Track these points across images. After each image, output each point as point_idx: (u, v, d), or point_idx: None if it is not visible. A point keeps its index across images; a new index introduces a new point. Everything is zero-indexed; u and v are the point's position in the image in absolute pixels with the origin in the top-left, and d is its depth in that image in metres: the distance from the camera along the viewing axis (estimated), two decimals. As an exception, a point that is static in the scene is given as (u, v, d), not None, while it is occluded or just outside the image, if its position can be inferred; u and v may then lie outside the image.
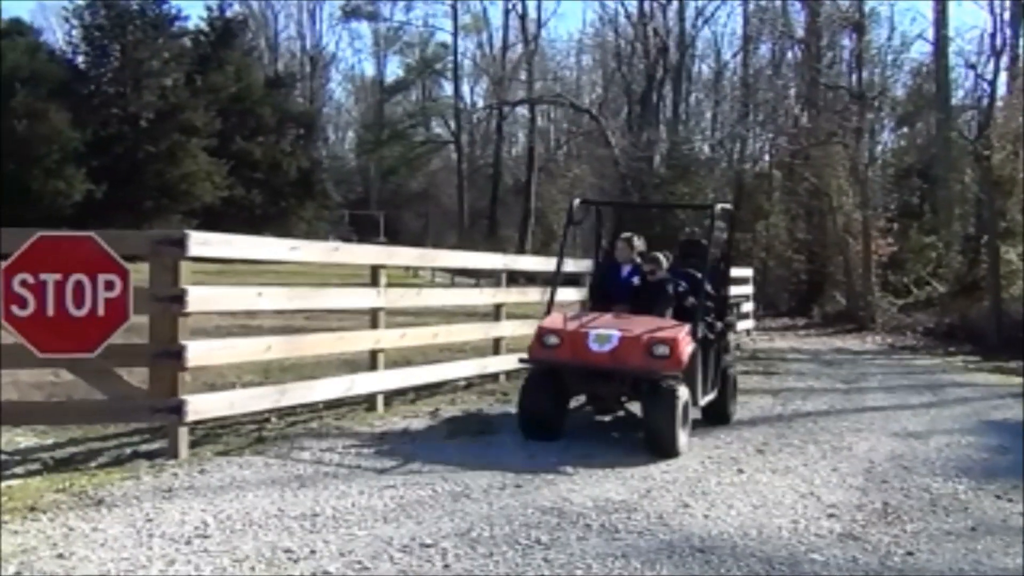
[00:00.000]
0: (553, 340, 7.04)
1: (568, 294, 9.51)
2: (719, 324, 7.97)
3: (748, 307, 20.33)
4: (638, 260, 7.99)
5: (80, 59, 44.63)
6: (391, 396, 8.85)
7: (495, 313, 10.58)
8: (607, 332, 7.00)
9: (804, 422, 8.91)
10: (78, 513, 4.99)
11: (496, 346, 10.51)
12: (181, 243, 6.10)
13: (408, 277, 32.20)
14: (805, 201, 29.69)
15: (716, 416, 8.11)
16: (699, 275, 7.60)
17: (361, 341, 8.40)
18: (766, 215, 30.61)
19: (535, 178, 46.32)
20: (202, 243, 6.27)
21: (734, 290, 17.46)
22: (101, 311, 5.86)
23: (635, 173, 33.18)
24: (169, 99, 42.83)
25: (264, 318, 13.38)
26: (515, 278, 12.04)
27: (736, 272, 19.34)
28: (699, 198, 28.37)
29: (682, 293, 7.67)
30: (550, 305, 7.63)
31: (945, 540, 5.13)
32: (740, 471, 6.60)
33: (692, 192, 29.84)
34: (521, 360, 7.55)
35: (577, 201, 8.18)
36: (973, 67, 30.65)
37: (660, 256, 7.91)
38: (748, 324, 20.25)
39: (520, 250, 40.93)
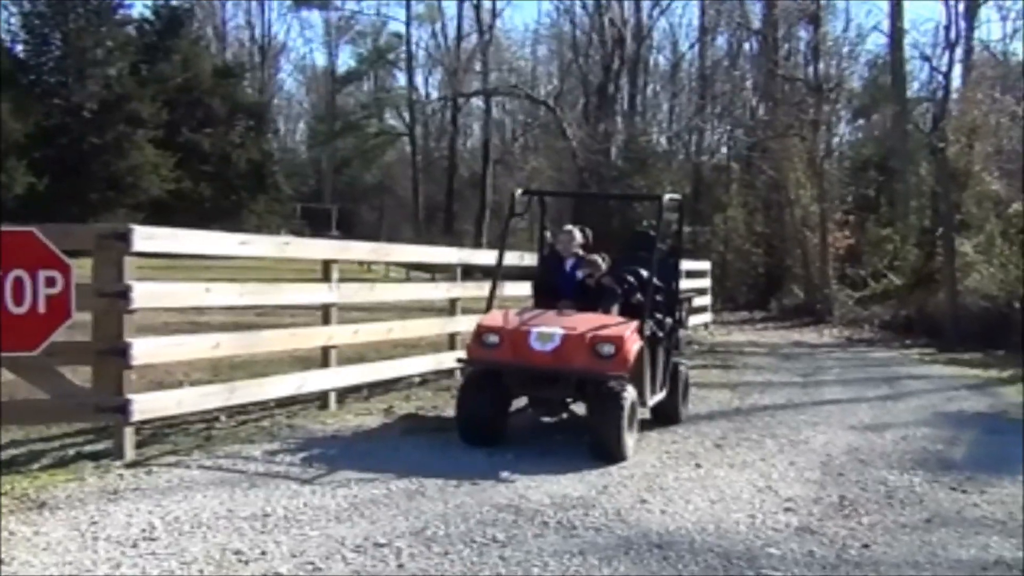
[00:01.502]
0: (493, 339, 6.93)
1: (523, 290, 9.49)
2: (669, 320, 7.90)
3: (706, 301, 20.49)
4: (581, 253, 7.95)
5: (20, 48, 43.79)
6: (344, 394, 8.81)
7: (451, 308, 10.55)
8: (550, 330, 6.85)
9: (762, 416, 9.00)
10: (19, 517, 4.91)
11: (452, 341, 10.48)
12: (126, 237, 6.02)
13: (362, 272, 31.99)
14: (763, 194, 30.02)
15: (666, 417, 8.03)
16: (645, 272, 7.53)
17: (313, 337, 8.35)
18: (724, 208, 30.96)
19: (491, 171, 46.19)
20: (148, 238, 6.19)
21: (690, 283, 17.79)
22: (42, 308, 5.74)
23: (593, 166, 33.34)
24: (114, 89, 42.18)
25: (213, 314, 13.24)
26: (472, 272, 11.97)
27: (693, 265, 19.60)
28: (657, 190, 28.18)
29: (629, 289, 7.61)
30: (490, 301, 7.53)
31: (901, 532, 5.21)
32: (698, 466, 6.65)
33: (650, 184, 30.00)
34: (459, 361, 7.50)
35: (519, 191, 8.12)
36: (928, 59, 31.20)
37: (597, 259, 7.80)
38: (706, 318, 20.44)
39: (477, 244, 40.82)
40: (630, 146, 34.69)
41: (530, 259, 10.84)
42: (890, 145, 30.17)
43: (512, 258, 10.76)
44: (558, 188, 34.01)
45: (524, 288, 9.67)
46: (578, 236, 8.09)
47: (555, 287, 7.91)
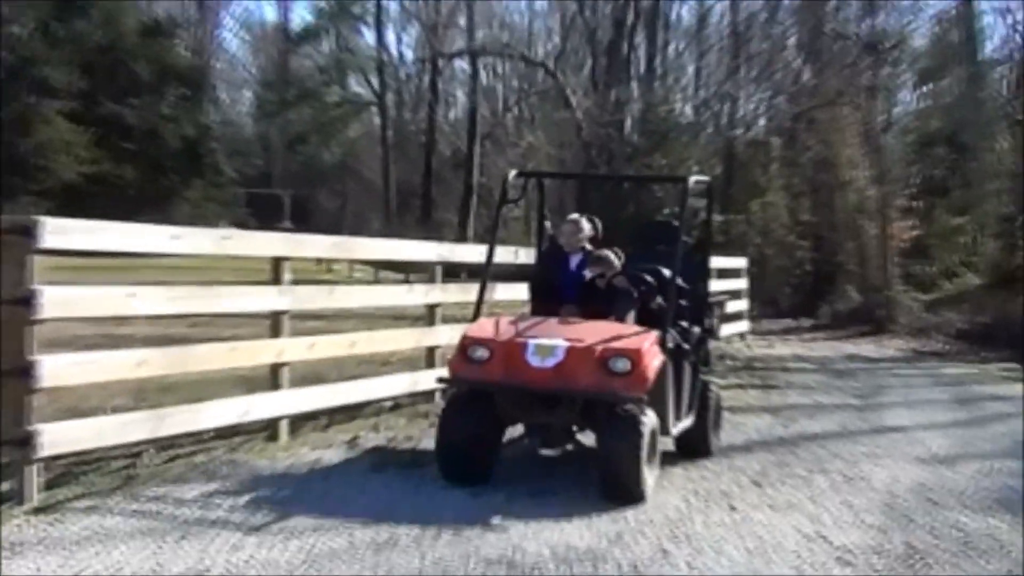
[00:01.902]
0: (481, 353, 6.91)
1: (518, 293, 9.46)
2: (696, 329, 7.89)
3: (741, 305, 20.45)
4: (588, 248, 7.97)
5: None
6: (298, 422, 8.76)
7: (429, 316, 10.49)
8: (551, 342, 6.83)
9: (810, 447, 8.99)
10: None
11: (430, 357, 10.43)
12: (31, 232, 5.97)
13: (320, 272, 31.96)
14: (810, 175, 29.99)
15: (693, 448, 8.03)
16: (667, 271, 7.55)
17: (260, 353, 8.30)
18: (762, 192, 30.86)
19: (478, 148, 46.16)
20: (59, 231, 6.14)
21: (722, 285, 17.79)
22: (-73, 319, 5.72)
23: (602, 141, 33.15)
24: (19, 52, 42.11)
25: (138, 325, 13.12)
26: (455, 272, 11.96)
27: (725, 262, 19.53)
28: (680, 171, 27.94)
29: (647, 291, 7.61)
30: (478, 307, 7.51)
31: (981, 590, 5.18)
32: (732, 508, 6.61)
33: (672, 164, 29.74)
34: (440, 381, 7.50)
35: (512, 173, 8.09)
36: (1007, 12, 31.21)
37: (608, 255, 7.80)
38: (741, 327, 20.44)
39: (461, 237, 40.72)
40: (647, 117, 34.57)
41: (526, 256, 10.80)
42: (962, 116, 30.20)
43: (505, 254, 10.79)
44: (560, 169, 33.99)
45: (519, 291, 9.67)
46: (585, 227, 8.07)
47: (557, 289, 7.89)
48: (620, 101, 34.85)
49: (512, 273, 10.33)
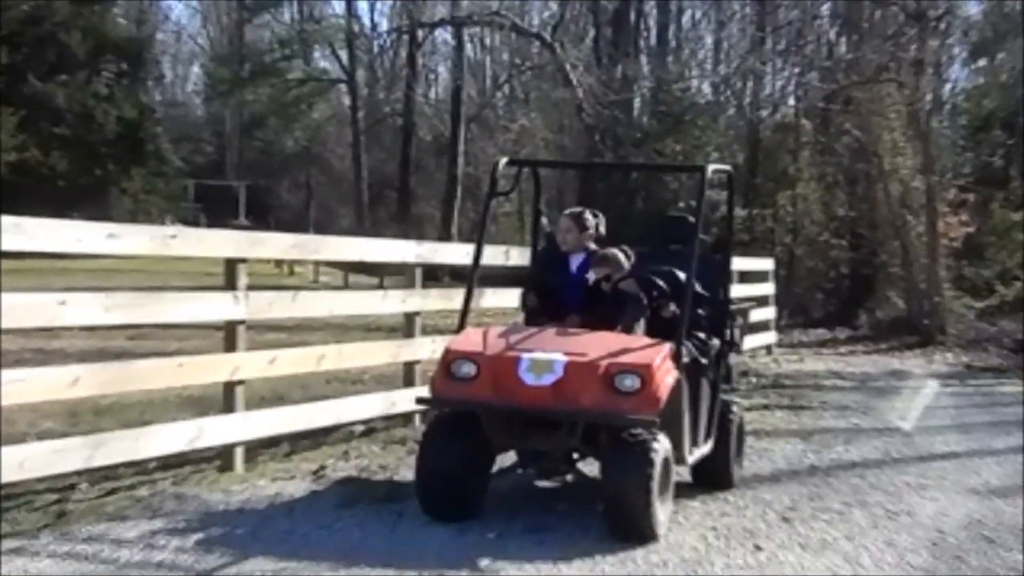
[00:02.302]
0: (467, 370, 6.90)
1: (508, 300, 9.45)
2: (715, 341, 7.88)
3: (767, 314, 20.46)
4: (592, 247, 7.97)
5: None
6: (256, 449, 8.70)
7: (407, 326, 10.44)
8: (548, 357, 6.79)
9: (847, 476, 8.96)
10: None
11: (408, 374, 10.38)
12: (-56, 230, 5.93)
13: (281, 276, 31.87)
14: (846, 163, 29.85)
15: (713, 479, 8.04)
16: (682, 274, 7.55)
17: (212, 369, 8.23)
18: (792, 183, 30.62)
19: (464, 133, 45.86)
20: (-25, 230, 6.09)
21: (745, 290, 17.97)
22: None
23: (607, 124, 32.91)
24: (-72, 22, 42.00)
25: (71, 338, 13.14)
26: (437, 275, 11.96)
27: (749, 264, 19.71)
28: (698, 159, 27.89)
29: (660, 297, 7.59)
30: (463, 316, 7.48)
31: (1044, 641, 5.18)
32: (758, 548, 6.58)
33: (687, 151, 29.60)
34: (419, 401, 7.48)
35: (503, 161, 8.04)
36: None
37: (617, 255, 7.83)
38: (768, 338, 20.47)
39: (444, 235, 40.56)
40: (659, 97, 34.37)
41: (519, 256, 10.80)
42: (1021, 95, 30.12)
43: (494, 255, 10.83)
44: (558, 156, 33.80)
45: (511, 297, 9.62)
46: (589, 222, 8.08)
47: (555, 295, 7.90)
48: (628, 78, 34.67)
49: (503, 276, 10.39)
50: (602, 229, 8.16)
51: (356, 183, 51.93)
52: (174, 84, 61.84)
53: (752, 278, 19.80)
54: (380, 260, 11.70)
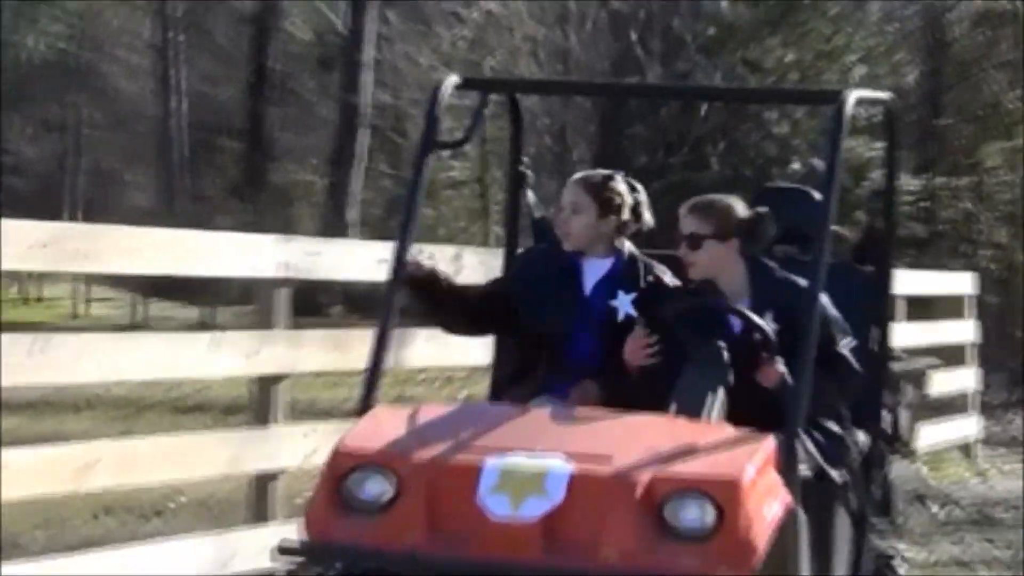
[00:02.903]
0: (378, 490, 5.10)
1: (464, 349, 7.58)
2: (861, 435, 5.82)
3: (960, 380, 15.03)
4: (626, 246, 5.89)
5: None
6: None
7: (259, 403, 8.10)
8: (536, 464, 4.97)
9: None
10: None
11: (260, 497, 8.01)
12: None
13: (15, 304, 25.47)
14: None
15: None
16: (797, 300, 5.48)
17: None
18: (1008, 128, 22.02)
19: (374, 27, 29.54)
20: None
21: (915, 333, 13.49)
22: None
23: (652, 11, 21.94)
24: None
25: None
26: (318, 302, 9.82)
27: (926, 282, 14.81)
28: (828, 76, 19.74)
29: (760, 343, 5.46)
30: (371, 381, 5.44)
31: None
32: None
33: (806, 62, 20.42)
34: (284, 552, 5.53)
35: (450, 81, 5.81)
36: None
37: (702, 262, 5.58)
38: (965, 427, 15.00)
39: (333, 223, 27.94)
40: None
41: (481, 264, 8.66)
42: None
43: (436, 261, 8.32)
44: (556, 71, 20.60)
45: (465, 344, 7.52)
46: (619, 196, 5.83)
47: (551, 339, 5.78)
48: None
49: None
50: (646, 214, 5.84)
51: (163, 125, 35.51)
52: None
53: (934, 309, 14.80)
54: (208, 273, 9.00)
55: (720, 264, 5.46)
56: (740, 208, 5.60)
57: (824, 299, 5.38)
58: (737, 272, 5.45)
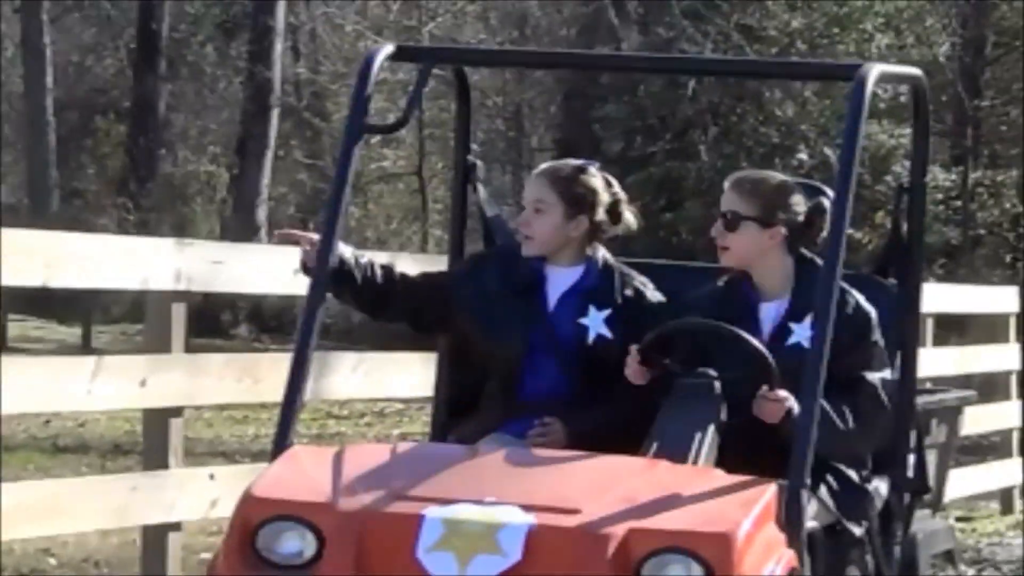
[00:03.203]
0: (295, 546, 4.79)
1: (405, 379, 7.30)
2: (881, 483, 5.38)
3: (1000, 418, 13.68)
4: (599, 253, 5.42)
5: None
6: None
7: (152, 440, 7.45)
8: (488, 514, 4.67)
9: None
10: None
11: (153, 552, 7.38)
12: None
13: None
14: None
15: None
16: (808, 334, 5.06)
17: None
18: None
19: None
20: None
21: (946, 360, 12.08)
22: None
23: None
24: None
25: None
26: (219, 319, 10.24)
27: (960, 298, 13.48)
28: (844, 48, 18.54)
29: (763, 375, 4.99)
30: (287, 415, 5.08)
31: None
32: None
33: (816, 30, 19.12)
34: None
35: (384, 50, 5.27)
36: None
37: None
38: (1007, 474, 13.59)
39: (240, 225, 25.15)
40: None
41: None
42: None
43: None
44: (513, 40, 21.18)
45: (403, 371, 7.42)
46: (592, 191, 5.36)
47: (505, 365, 5.38)
48: None
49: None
50: (626, 215, 5.38)
51: (30, 104, 31.08)
52: None
53: (969, 331, 13.99)
54: (87, 285, 8.04)
55: (759, 253, 4.96)
56: (796, 194, 5.11)
57: (873, 316, 5.03)
58: (779, 267, 4.96)
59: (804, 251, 5.13)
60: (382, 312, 5.42)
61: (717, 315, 5.01)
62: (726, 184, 5.23)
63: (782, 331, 4.97)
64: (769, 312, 5.01)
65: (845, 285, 5.07)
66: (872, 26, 18.25)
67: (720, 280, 5.19)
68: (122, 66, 33.02)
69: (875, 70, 5.05)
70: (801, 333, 4.90)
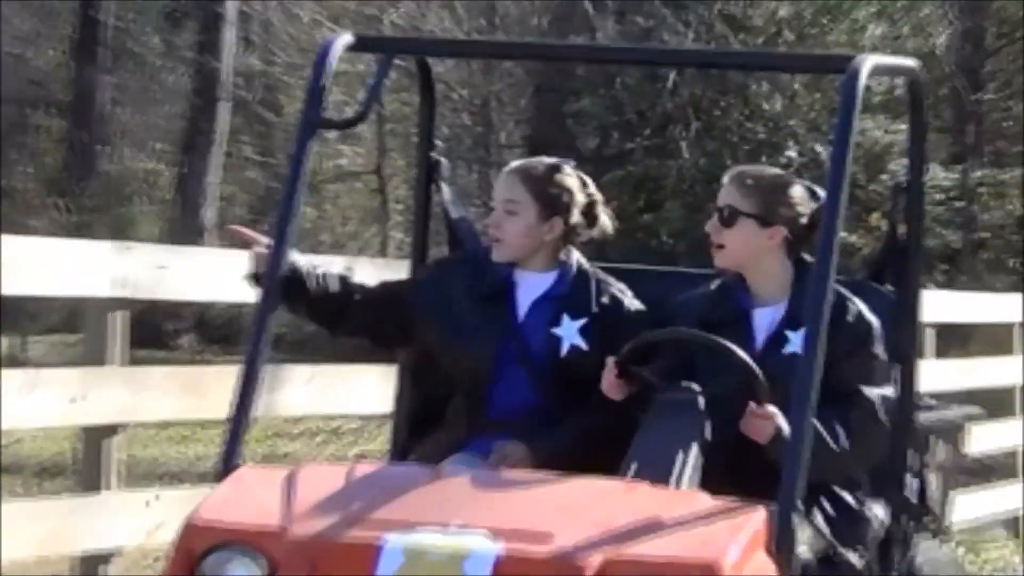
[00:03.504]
0: (242, 572, 4.58)
1: (365, 394, 7.12)
2: (879, 509, 5.12)
3: (1008, 436, 13.11)
4: (572, 257, 5.27)
5: None
6: None
7: (88, 461, 7.22)
8: (451, 542, 4.44)
9: None
10: None
11: None
12: None
13: None
14: None
15: None
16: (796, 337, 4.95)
17: None
18: None
19: None
20: None
21: (948, 374, 11.98)
22: None
23: None
24: None
25: None
26: (161, 329, 10.04)
27: (962, 307, 13.08)
28: (835, 38, 17.51)
29: (753, 391, 4.81)
30: (235, 433, 4.87)
31: None
32: None
33: (804, 18, 17.88)
34: None
35: (341, 41, 5.13)
36: None
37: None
38: (1012, 497, 12.92)
39: (185, 227, 24.39)
40: None
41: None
42: None
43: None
44: (479, 29, 19.91)
45: (364, 385, 7.17)
46: (566, 191, 5.21)
47: (470, 379, 5.21)
48: None
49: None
50: (603, 217, 5.25)
51: None
52: None
53: (973, 342, 13.57)
54: (18, 292, 7.59)
55: (756, 254, 4.76)
56: (800, 193, 4.88)
57: (876, 327, 4.85)
58: (777, 270, 4.78)
59: (805, 256, 4.94)
60: (338, 326, 5.22)
61: (706, 320, 4.85)
62: (725, 178, 5.04)
63: (778, 339, 4.77)
64: (764, 318, 4.82)
65: (846, 292, 4.97)
66: (865, 15, 17.60)
67: (712, 283, 4.99)
68: (63, 59, 31.87)
69: (868, 62, 4.89)
70: (798, 342, 4.65)
